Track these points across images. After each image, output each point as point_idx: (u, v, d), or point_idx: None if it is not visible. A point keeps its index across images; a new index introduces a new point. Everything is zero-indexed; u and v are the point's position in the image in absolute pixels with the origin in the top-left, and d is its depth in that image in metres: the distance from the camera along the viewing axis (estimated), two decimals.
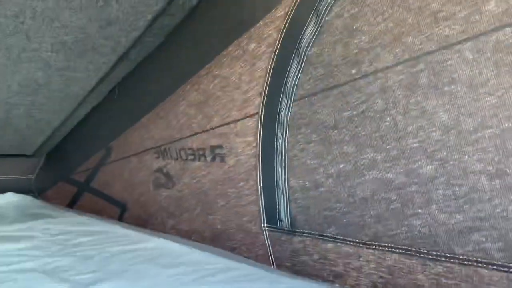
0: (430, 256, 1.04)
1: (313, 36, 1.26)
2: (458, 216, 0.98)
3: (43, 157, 3.20)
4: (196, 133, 1.77)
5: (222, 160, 1.65)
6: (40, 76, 2.05)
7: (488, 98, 0.91)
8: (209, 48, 1.69)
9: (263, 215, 1.50)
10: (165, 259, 1.36)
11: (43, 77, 2.07)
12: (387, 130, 1.10)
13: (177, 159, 1.91)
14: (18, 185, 3.15)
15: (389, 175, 1.11)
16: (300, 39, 1.29)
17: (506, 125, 0.89)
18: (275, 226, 1.45)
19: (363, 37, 1.13)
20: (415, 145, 1.05)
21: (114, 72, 2.14)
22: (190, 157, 1.82)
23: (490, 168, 0.92)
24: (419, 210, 1.06)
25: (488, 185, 0.93)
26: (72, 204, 2.89)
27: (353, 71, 1.17)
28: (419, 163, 1.05)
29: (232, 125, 1.59)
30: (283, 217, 1.42)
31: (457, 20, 0.95)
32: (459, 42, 0.95)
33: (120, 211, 2.43)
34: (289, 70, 1.35)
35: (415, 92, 1.04)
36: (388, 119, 1.10)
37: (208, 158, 1.72)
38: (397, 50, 1.07)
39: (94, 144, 2.62)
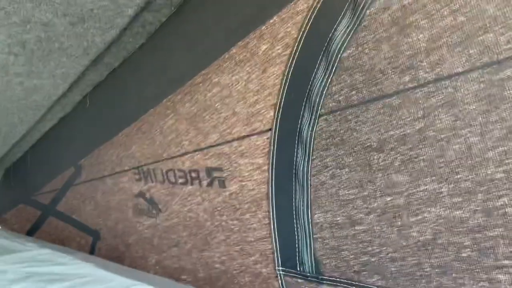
0: None
1: (348, 34, 1.00)
2: None
3: (0, 175, 2.80)
4: (187, 152, 1.47)
5: (222, 185, 1.36)
6: None
7: None
8: (206, 51, 1.39)
9: (277, 255, 1.21)
10: None
11: None
12: (457, 155, 0.85)
13: (163, 182, 1.60)
14: None
15: (460, 214, 0.85)
16: (331, 38, 1.03)
17: None
18: (293, 271, 1.17)
19: (421, 35, 0.88)
20: (498, 175, 0.80)
21: (85, 78, 1.81)
22: (181, 180, 1.52)
23: None
24: (506, 262, 0.80)
25: None
26: (34, 230, 2.51)
27: (406, 78, 0.91)
28: (506, 199, 0.79)
29: (235, 144, 1.31)
30: (305, 259, 1.14)
31: None
32: None
33: (92, 240, 2.09)
34: (314, 76, 1.08)
35: (498, 107, 0.79)
36: (459, 140, 0.84)
37: (204, 182, 1.42)
38: (471, 52, 0.81)
39: (61, 161, 2.26)
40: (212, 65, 1.36)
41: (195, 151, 1.44)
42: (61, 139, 2.22)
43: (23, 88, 1.80)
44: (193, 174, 1.45)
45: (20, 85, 1.77)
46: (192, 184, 1.47)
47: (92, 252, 2.06)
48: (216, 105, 1.36)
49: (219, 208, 1.38)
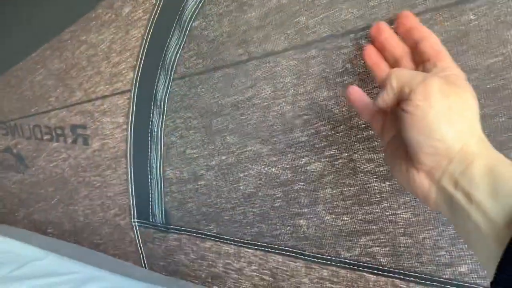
0: (315, 259, 0.97)
1: (197, 6, 1.08)
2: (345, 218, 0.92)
3: None
4: (54, 109, 1.48)
5: (85, 142, 1.40)
6: None
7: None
8: (72, 6, 1.39)
9: (133, 208, 1.30)
10: (5, 270, 1.10)
11: None
12: (275, 120, 0.99)
13: (30, 137, 1.59)
14: None
15: (275, 170, 1.01)
16: (183, 7, 1.10)
17: None
18: (146, 222, 1.28)
19: (253, 13, 0.99)
20: (302, 139, 0.96)
21: None
22: (47, 136, 1.52)
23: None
24: (305, 210, 0.98)
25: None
26: None
27: (240, 51, 1.02)
28: (307, 159, 0.96)
29: (98, 102, 1.35)
30: (156, 211, 1.24)
31: (355, 3, 0.86)
32: (355, 31, 0.87)
33: None
34: (169, 42, 1.15)
35: (305, 81, 0.94)
36: (276, 108, 0.99)
37: (69, 139, 1.45)
38: (288, 32, 0.95)
39: None
40: (79, 22, 1.37)
41: (61, 107, 1.45)
42: None
43: None
44: (59, 131, 1.47)
45: None
46: (57, 140, 1.49)
47: None
48: (83, 63, 1.38)
49: (83, 165, 1.42)
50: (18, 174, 1.67)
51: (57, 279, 1.15)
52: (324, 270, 0.97)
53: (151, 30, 1.19)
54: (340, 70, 0.88)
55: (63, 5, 1.43)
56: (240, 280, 1.12)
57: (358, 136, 0.88)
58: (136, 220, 1.30)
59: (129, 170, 1.29)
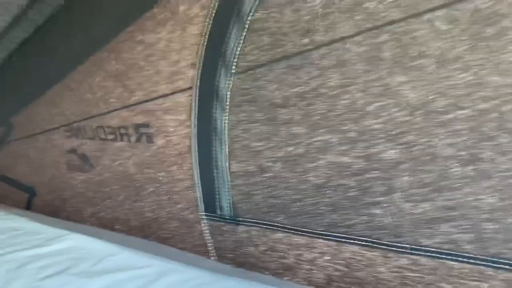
0: (393, 248, 0.96)
1: None
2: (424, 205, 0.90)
3: None
4: (115, 109, 1.52)
5: (150, 140, 1.44)
6: None
7: (462, 76, 0.82)
8: (129, 8, 1.42)
9: (200, 202, 1.33)
10: (85, 265, 1.15)
11: None
12: (344, 109, 0.98)
13: (93, 138, 1.64)
14: None
15: (346, 159, 0.99)
16: (242, 1, 1.10)
17: (481, 106, 0.80)
18: (214, 215, 1.30)
19: (317, 1, 0.98)
20: (376, 126, 0.94)
21: (9, 35, 1.77)
22: (110, 136, 1.57)
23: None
24: (380, 198, 0.96)
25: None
26: None
27: (305, 40, 1.01)
28: (381, 146, 0.94)
29: (159, 101, 1.37)
30: (224, 204, 1.26)
31: None
32: (430, 10, 0.84)
33: (28, 197, 2.11)
34: (229, 37, 1.15)
35: (377, 67, 0.91)
36: (346, 96, 0.97)
37: (133, 138, 1.49)
38: (357, 17, 0.92)
39: None
40: (135, 24, 1.39)
41: (122, 108, 1.49)
42: None
43: None
44: (122, 131, 1.52)
45: None
46: (121, 140, 1.53)
47: (28, 208, 2.09)
48: (141, 63, 1.41)
49: (147, 162, 1.46)
50: (84, 174, 1.73)
51: (133, 273, 1.19)
52: (403, 259, 0.95)
53: (210, 26, 1.20)
54: (414, 54, 0.86)
55: (120, 9, 1.46)
56: (312, 271, 1.12)
57: (437, 120, 0.85)
58: (204, 213, 1.32)
59: (194, 165, 1.31)
